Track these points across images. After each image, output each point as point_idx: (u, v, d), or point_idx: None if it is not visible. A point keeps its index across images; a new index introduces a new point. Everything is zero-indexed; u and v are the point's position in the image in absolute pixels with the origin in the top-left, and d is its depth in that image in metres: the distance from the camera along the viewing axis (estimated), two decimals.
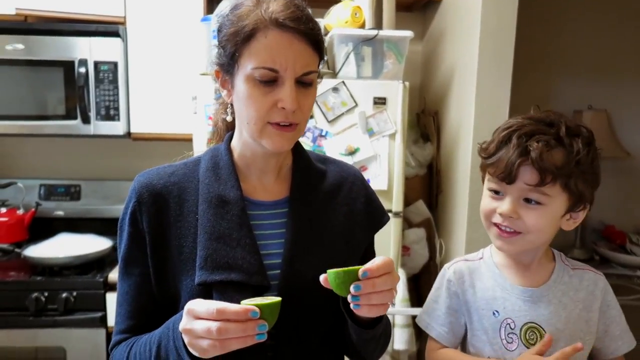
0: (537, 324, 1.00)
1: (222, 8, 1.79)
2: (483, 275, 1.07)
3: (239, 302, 0.79)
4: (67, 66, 2.03)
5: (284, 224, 0.90)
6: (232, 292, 0.82)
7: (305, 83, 0.83)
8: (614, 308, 1.05)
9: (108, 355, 1.93)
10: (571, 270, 1.05)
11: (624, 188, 2.74)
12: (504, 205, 0.97)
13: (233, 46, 0.82)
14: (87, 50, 2.04)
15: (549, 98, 2.69)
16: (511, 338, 1.01)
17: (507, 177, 0.94)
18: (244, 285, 0.83)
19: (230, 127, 0.98)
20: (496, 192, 0.99)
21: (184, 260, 0.86)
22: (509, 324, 1.01)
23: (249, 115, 0.83)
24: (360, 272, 0.74)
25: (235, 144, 0.94)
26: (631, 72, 2.68)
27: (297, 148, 0.98)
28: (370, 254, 1.02)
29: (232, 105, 0.93)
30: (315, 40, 0.83)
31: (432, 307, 1.10)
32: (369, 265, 0.75)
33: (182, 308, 0.85)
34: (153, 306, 0.89)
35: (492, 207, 0.99)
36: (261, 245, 0.88)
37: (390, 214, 1.85)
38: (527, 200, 0.96)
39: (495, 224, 1.00)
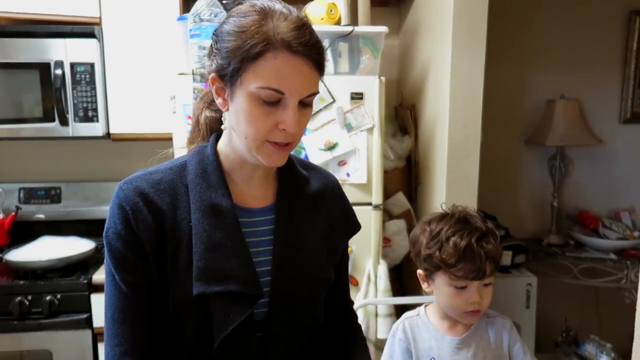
0: None
1: (198, 7, 1.79)
2: (421, 329, 1.33)
3: (238, 314, 0.82)
4: (43, 68, 2.02)
5: (271, 230, 0.92)
6: (230, 302, 0.83)
7: (306, 104, 0.84)
8: (518, 342, 1.32)
9: (95, 356, 1.94)
10: (486, 318, 1.33)
11: (597, 174, 2.83)
12: (474, 296, 1.22)
13: (238, 62, 0.79)
14: (63, 51, 2.02)
15: (522, 89, 2.75)
16: None
17: (479, 276, 1.20)
18: (241, 294, 0.84)
19: (213, 124, 0.97)
20: (462, 287, 1.23)
21: (179, 270, 0.84)
22: None
23: (248, 132, 0.82)
24: None
25: (222, 147, 0.92)
26: (601, 62, 2.75)
27: None
28: (344, 257, 1.07)
29: (213, 101, 0.92)
30: (321, 63, 0.83)
31: None
32: None
33: (172, 320, 0.84)
34: (158, 318, 0.85)
35: (463, 300, 1.23)
36: (252, 253, 0.88)
37: (370, 207, 1.89)
38: (485, 285, 1.24)
39: (466, 311, 1.25)
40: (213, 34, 0.86)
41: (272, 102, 0.80)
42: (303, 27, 0.80)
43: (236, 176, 0.92)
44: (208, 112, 0.96)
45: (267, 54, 0.78)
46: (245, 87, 0.80)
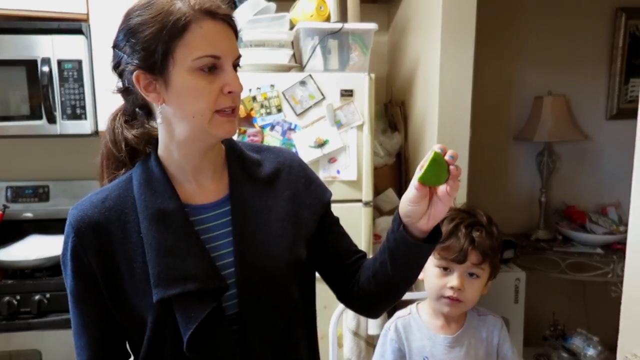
0: None
1: None
2: (413, 329, 1.35)
3: (200, 311, 0.82)
4: (30, 65, 1.99)
5: (230, 222, 0.91)
6: (191, 301, 0.84)
7: (235, 67, 0.87)
8: (507, 341, 1.36)
9: None
10: (477, 316, 1.36)
11: (584, 169, 2.86)
12: (454, 280, 1.25)
13: (165, 43, 0.80)
14: (50, 48, 2.00)
15: (510, 85, 2.78)
16: None
17: (460, 258, 1.23)
18: (202, 292, 0.84)
19: (146, 139, 0.95)
20: (445, 268, 1.26)
21: (139, 281, 0.85)
22: None
23: (197, 108, 0.82)
24: (447, 157, 0.83)
25: (162, 151, 0.91)
26: (588, 59, 2.78)
27: (229, 141, 0.97)
28: (329, 226, 1.02)
29: (144, 112, 0.93)
30: (235, 26, 0.87)
31: None
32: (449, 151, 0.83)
33: (152, 326, 0.86)
34: (114, 332, 0.91)
35: (443, 283, 1.26)
36: (211, 248, 0.88)
37: (360, 204, 1.89)
38: (470, 275, 1.26)
39: (444, 296, 1.27)
40: (116, 41, 0.89)
41: (211, 68, 0.82)
42: None
43: (184, 175, 0.91)
44: (134, 131, 0.94)
45: (192, 26, 0.80)
46: (181, 65, 0.81)
